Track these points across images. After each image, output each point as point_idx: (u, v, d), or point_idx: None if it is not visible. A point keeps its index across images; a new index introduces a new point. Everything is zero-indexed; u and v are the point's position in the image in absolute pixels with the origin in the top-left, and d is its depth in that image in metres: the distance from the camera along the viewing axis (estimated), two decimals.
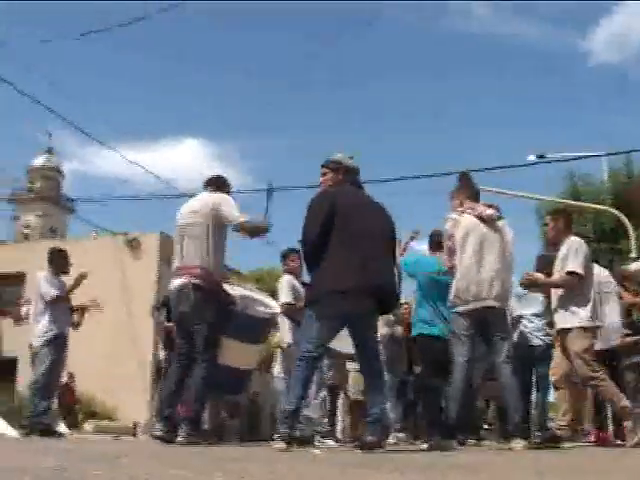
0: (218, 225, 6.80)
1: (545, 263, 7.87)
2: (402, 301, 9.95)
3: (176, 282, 6.81)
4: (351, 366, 10.84)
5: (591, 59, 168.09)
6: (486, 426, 12.08)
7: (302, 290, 8.26)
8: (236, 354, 7.34)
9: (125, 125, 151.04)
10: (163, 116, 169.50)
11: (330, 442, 8.54)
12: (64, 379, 14.27)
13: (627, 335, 8.94)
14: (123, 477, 2.53)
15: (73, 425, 12.34)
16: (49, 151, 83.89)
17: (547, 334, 9.04)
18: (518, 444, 6.28)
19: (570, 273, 7.09)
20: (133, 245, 28.54)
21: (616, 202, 23.53)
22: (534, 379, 9.43)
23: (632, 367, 8.96)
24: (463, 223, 6.94)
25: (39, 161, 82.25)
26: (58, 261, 9.32)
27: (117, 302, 23.68)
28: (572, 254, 7.15)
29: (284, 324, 8.52)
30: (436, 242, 7.91)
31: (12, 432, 8.25)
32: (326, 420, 9.18)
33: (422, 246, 8.95)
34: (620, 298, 8.95)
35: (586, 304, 7.08)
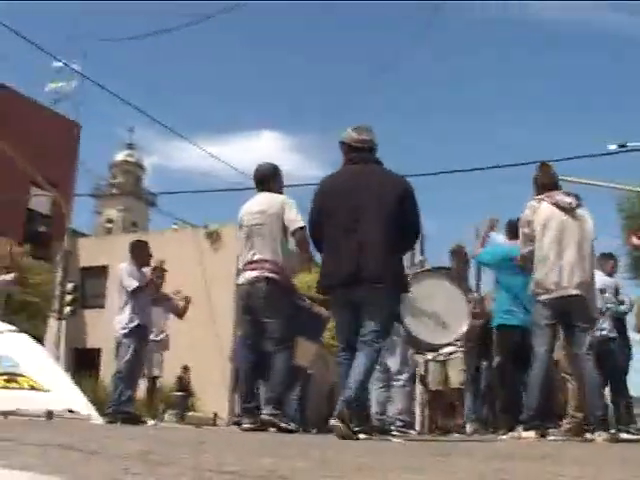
0: (283, 226, 6.91)
1: None
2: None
3: (248, 275, 6.88)
4: (430, 356, 10.81)
5: None
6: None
7: None
8: (299, 351, 7.39)
9: (204, 119, 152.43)
10: (241, 109, 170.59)
11: (411, 432, 8.53)
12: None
13: None
14: (208, 461, 2.55)
15: (154, 416, 12.61)
16: (130, 146, 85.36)
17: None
18: (600, 436, 6.22)
19: None
20: (213, 237, 28.86)
21: None
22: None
23: None
24: (541, 211, 6.88)
25: (120, 156, 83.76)
26: (139, 253, 9.45)
27: (198, 294, 23.96)
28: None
29: None
30: (514, 231, 7.84)
31: (97, 419, 8.39)
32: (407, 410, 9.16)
33: (499, 236, 8.86)
34: None
35: None
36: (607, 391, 9.75)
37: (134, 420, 8.92)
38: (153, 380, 11.78)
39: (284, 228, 6.90)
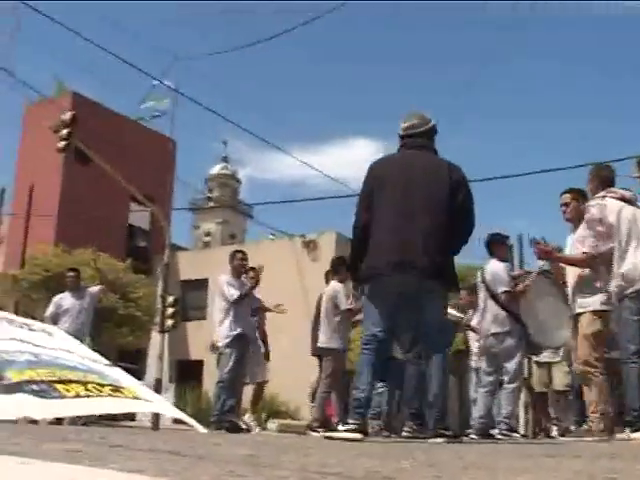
0: None
1: None
2: None
3: None
4: (535, 358, 10.69)
5: None
6: None
7: None
8: None
9: (294, 129, 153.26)
10: (333, 117, 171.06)
11: (515, 435, 8.43)
12: None
13: None
14: (312, 463, 2.58)
15: (258, 424, 12.77)
16: (225, 159, 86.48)
17: None
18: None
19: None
20: (310, 246, 29.01)
21: None
22: None
23: None
24: (611, 206, 6.76)
25: (216, 169, 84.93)
26: (238, 264, 9.57)
27: (296, 303, 24.10)
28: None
29: None
30: None
31: (201, 428, 8.50)
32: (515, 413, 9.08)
33: None
34: None
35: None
36: None
37: (237, 429, 9.02)
38: (259, 385, 11.84)
39: None
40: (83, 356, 9.85)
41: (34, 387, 7.77)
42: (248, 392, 11.07)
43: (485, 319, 8.55)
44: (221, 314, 9.32)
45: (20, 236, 32.25)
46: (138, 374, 17.85)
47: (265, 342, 11.01)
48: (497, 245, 8.69)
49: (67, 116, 18.99)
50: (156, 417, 14.16)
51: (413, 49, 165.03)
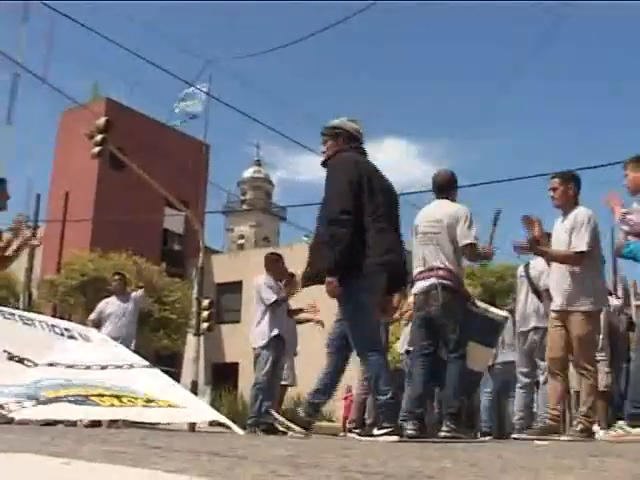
0: (457, 235, 6.89)
1: None
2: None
3: (422, 284, 6.89)
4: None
5: None
6: None
7: None
8: (474, 355, 7.31)
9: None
10: (364, 116, 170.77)
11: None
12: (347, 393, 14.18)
13: None
14: (353, 463, 2.57)
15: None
16: (258, 162, 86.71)
17: None
18: None
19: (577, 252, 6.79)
20: None
21: None
22: None
23: None
24: None
25: (249, 173, 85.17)
26: (274, 266, 9.57)
27: (328, 304, 24.10)
28: (580, 228, 6.82)
29: None
30: None
31: (238, 430, 8.53)
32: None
33: None
34: None
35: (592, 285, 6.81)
36: None
37: (274, 430, 9.03)
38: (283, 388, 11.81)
39: (457, 237, 6.87)
40: (119, 363, 9.92)
41: (70, 398, 7.85)
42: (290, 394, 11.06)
43: (525, 314, 8.54)
44: (258, 316, 9.33)
45: (56, 242, 32.56)
46: (174, 377, 17.95)
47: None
48: None
49: (101, 121, 19.11)
50: None
51: (442, 45, 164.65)
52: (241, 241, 77.10)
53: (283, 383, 10.95)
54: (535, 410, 8.87)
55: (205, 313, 21.34)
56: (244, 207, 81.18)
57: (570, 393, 9.03)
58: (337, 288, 5.54)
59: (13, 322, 10.14)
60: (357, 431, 8.78)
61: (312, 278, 5.86)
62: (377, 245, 5.60)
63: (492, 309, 7.72)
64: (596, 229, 6.92)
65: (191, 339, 23.56)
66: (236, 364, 30.16)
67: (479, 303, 7.76)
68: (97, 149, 18.94)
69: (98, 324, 11.33)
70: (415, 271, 7.05)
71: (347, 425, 9.39)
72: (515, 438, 7.58)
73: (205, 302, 21.47)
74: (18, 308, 16.55)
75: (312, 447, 3.87)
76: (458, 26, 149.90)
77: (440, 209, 7.12)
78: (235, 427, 8.69)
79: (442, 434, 6.62)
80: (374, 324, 5.88)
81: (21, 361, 9.05)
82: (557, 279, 7.05)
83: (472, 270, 30.76)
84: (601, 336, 8.66)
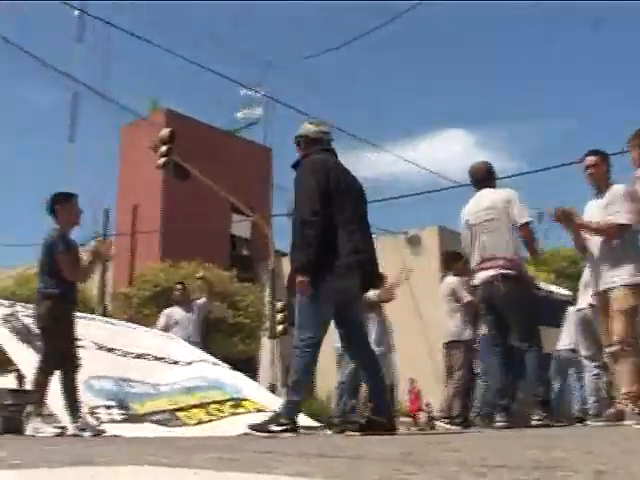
0: (512, 220, 6.81)
1: None
2: None
3: (483, 275, 6.85)
4: None
5: None
6: None
7: None
8: (544, 338, 7.25)
9: (386, 125, 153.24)
10: (421, 111, 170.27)
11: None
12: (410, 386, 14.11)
13: None
14: (473, 458, 2.56)
15: None
16: None
17: None
18: None
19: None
20: (414, 242, 28.94)
21: None
22: None
23: None
24: None
25: None
26: None
27: (401, 298, 24.07)
28: (619, 202, 6.55)
29: None
30: None
31: (325, 430, 8.58)
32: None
33: None
34: None
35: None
36: None
37: (360, 429, 9.02)
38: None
39: (511, 222, 6.81)
40: (203, 358, 10.05)
41: (158, 417, 7.97)
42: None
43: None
44: None
45: (126, 255, 33.01)
46: None
47: None
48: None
49: (165, 133, 19.34)
50: None
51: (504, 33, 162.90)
52: None
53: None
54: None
55: (279, 316, 21.50)
56: None
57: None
58: (308, 287, 5.57)
59: (95, 321, 10.39)
60: (446, 421, 8.79)
61: (289, 278, 5.95)
62: (347, 245, 5.61)
63: (555, 289, 7.65)
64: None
65: (266, 342, 23.76)
66: None
67: (542, 285, 7.70)
68: (162, 160, 19.17)
69: (166, 332, 11.41)
70: (473, 263, 7.01)
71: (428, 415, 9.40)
72: (588, 424, 7.49)
73: (279, 305, 21.62)
74: None
75: (417, 444, 3.86)
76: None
77: (487, 197, 7.07)
78: (324, 428, 8.77)
79: (533, 422, 6.58)
80: (327, 323, 5.84)
81: (110, 350, 9.27)
82: (596, 255, 6.77)
83: (545, 257, 30.42)
84: None
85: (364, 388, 10.82)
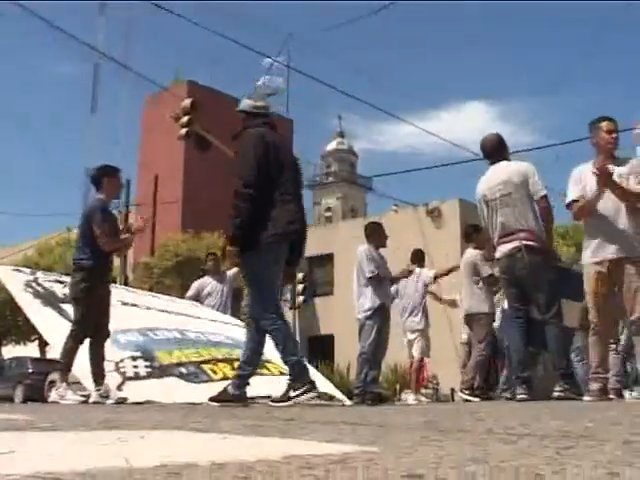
0: (529, 193, 6.76)
1: None
2: None
3: (505, 247, 6.81)
4: None
5: None
6: None
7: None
8: (566, 312, 7.22)
9: (407, 97, 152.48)
10: (442, 83, 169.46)
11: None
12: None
13: None
14: (498, 427, 2.56)
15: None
16: (341, 134, 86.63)
17: None
18: None
19: None
20: (434, 215, 28.85)
21: None
22: None
23: None
24: None
25: (333, 145, 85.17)
26: (376, 235, 9.54)
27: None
28: None
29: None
30: None
31: (347, 401, 8.60)
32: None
33: None
34: None
35: None
36: None
37: (380, 399, 9.05)
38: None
39: (530, 194, 6.76)
40: (228, 322, 10.12)
41: (182, 370, 8.01)
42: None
43: None
44: (360, 286, 9.31)
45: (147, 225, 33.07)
46: None
47: None
48: None
49: (187, 103, 19.29)
50: None
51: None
52: (328, 214, 77.20)
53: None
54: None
55: (300, 287, 21.52)
56: (330, 179, 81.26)
57: None
58: (235, 258, 5.71)
59: (119, 290, 10.50)
60: (467, 392, 8.82)
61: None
62: (280, 217, 5.68)
63: (577, 263, 7.57)
64: None
65: (287, 313, 23.79)
66: (331, 336, 30.30)
67: (564, 259, 7.65)
68: (184, 130, 19.14)
69: (196, 302, 11.48)
70: (495, 238, 6.95)
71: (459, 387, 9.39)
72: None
73: (299, 276, 21.63)
74: None
75: (442, 413, 3.87)
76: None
77: (504, 171, 6.96)
78: (344, 398, 8.79)
79: (556, 394, 6.55)
80: (272, 293, 5.87)
81: (134, 305, 9.36)
82: (615, 225, 6.40)
83: (566, 229, 30.27)
84: None
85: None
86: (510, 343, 7.47)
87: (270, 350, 8.44)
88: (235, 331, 9.47)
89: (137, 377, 7.60)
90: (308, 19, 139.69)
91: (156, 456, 1.65)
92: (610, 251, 6.36)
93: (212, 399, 5.87)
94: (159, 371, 7.88)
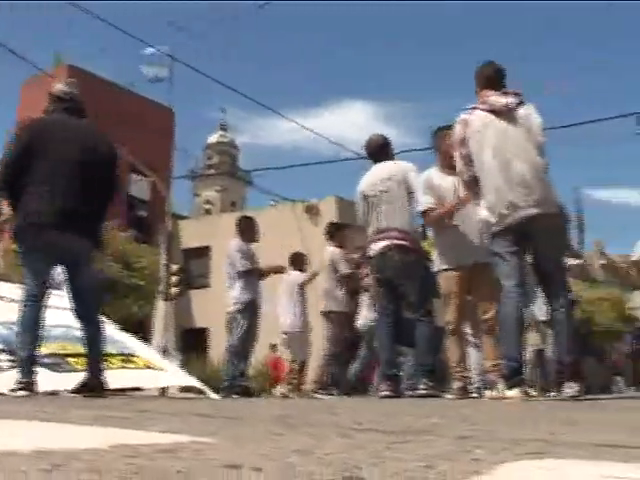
0: (408, 192, 6.83)
1: None
2: None
3: (377, 246, 6.85)
4: None
5: None
6: None
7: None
8: (438, 312, 7.32)
9: (289, 94, 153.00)
10: (323, 81, 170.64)
11: None
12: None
13: None
14: (344, 421, 2.59)
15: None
16: (223, 127, 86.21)
17: None
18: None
19: None
20: (312, 212, 29.00)
21: None
22: None
23: None
24: (473, 123, 5.58)
25: (214, 137, 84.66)
26: (247, 229, 9.52)
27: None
28: None
29: None
30: None
31: (212, 394, 8.55)
32: None
33: None
34: None
35: None
36: None
37: (249, 393, 9.06)
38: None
39: (408, 194, 6.82)
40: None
41: (48, 360, 7.83)
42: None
43: None
44: (231, 280, 9.28)
45: None
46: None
47: None
48: None
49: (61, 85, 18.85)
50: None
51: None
52: (208, 206, 76.62)
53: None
54: None
55: (174, 278, 21.30)
56: (211, 172, 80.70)
57: None
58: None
59: None
60: (322, 392, 8.94)
61: None
62: (27, 206, 5.57)
63: None
64: None
65: (160, 305, 23.53)
66: (205, 329, 30.12)
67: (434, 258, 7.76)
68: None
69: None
70: (369, 235, 7.00)
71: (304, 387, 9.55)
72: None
73: (174, 267, 21.42)
74: None
75: (300, 407, 3.89)
76: None
77: (384, 169, 7.01)
78: (210, 392, 8.74)
79: (419, 392, 6.65)
80: (40, 278, 5.70)
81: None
82: (467, 233, 6.51)
83: None
84: None
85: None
86: (378, 342, 7.56)
87: (136, 344, 8.36)
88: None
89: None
90: (197, 11, 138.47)
91: None
92: (465, 258, 6.51)
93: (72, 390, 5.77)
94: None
